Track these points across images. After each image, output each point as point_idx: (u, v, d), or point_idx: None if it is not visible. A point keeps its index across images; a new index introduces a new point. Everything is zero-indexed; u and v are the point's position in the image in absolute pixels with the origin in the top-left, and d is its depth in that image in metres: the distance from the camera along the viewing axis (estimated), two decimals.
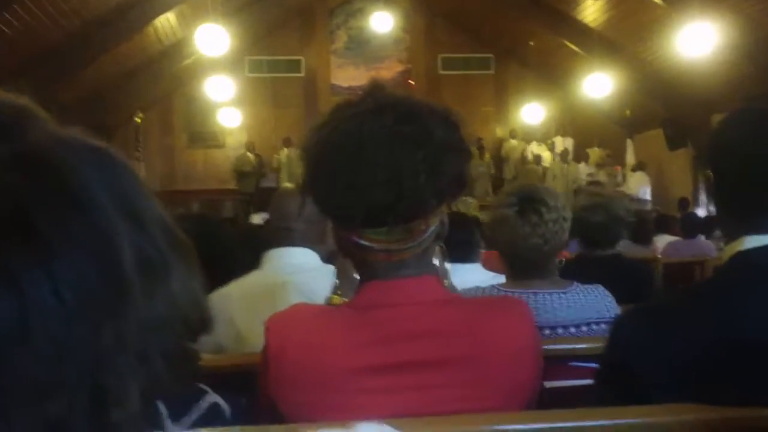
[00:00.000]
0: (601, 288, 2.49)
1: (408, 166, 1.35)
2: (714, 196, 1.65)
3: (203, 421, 1.22)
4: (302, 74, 18.83)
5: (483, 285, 2.55)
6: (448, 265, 1.52)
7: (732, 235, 1.56)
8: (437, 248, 1.50)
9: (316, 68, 18.85)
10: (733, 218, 1.59)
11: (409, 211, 1.39)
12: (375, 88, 1.46)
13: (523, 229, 2.37)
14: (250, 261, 2.64)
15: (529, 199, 2.40)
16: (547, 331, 2.35)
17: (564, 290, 2.42)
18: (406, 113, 1.39)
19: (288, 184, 3.46)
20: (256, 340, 2.22)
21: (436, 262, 1.50)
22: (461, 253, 3.32)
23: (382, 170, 1.35)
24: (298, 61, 18.76)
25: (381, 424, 0.73)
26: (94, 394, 0.58)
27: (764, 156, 1.52)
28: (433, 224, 1.44)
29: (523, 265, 2.45)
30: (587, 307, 2.40)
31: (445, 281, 1.50)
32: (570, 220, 2.46)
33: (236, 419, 1.32)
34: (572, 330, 2.37)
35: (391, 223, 1.39)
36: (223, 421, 1.27)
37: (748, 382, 1.42)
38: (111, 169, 0.63)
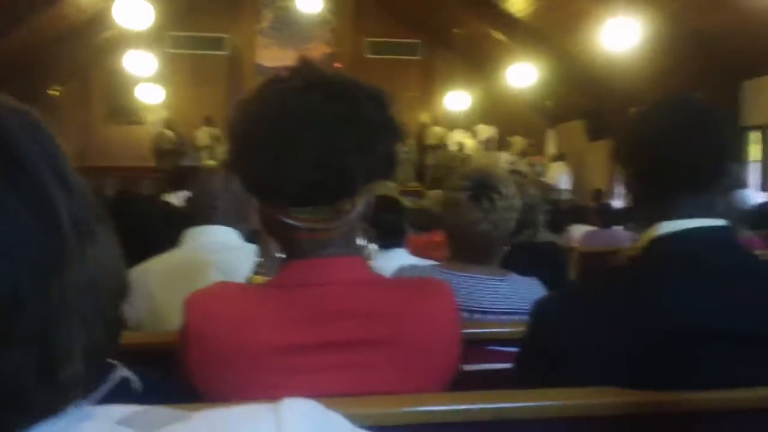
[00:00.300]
0: (536, 280, 2.53)
1: (336, 145, 1.33)
2: (629, 183, 1.68)
3: (112, 396, 1.18)
4: (226, 53, 18.60)
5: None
6: (372, 246, 1.51)
7: (647, 222, 1.59)
8: (362, 229, 1.49)
9: (240, 47, 18.63)
10: (647, 205, 1.62)
11: (337, 191, 1.37)
12: (304, 65, 1.44)
13: (474, 214, 2.38)
14: (171, 238, 2.60)
15: (483, 185, 2.42)
16: (477, 316, 2.36)
17: (500, 278, 2.44)
18: (336, 91, 1.37)
19: (211, 162, 3.41)
20: (174, 317, 2.18)
21: (361, 242, 1.48)
22: (388, 237, 3.32)
23: (310, 148, 1.33)
24: (223, 39, 18.51)
25: (308, 401, 0.71)
26: (43, 352, 0.61)
27: (675, 144, 1.56)
28: (360, 204, 1.43)
29: (468, 248, 2.47)
30: (520, 298, 2.42)
31: (369, 262, 1.49)
32: (519, 209, 2.48)
33: (148, 395, 1.29)
34: (502, 318, 2.39)
35: (318, 202, 1.38)
36: (133, 397, 1.24)
37: (669, 366, 1.45)
38: (41, 134, 0.65)
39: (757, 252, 6.05)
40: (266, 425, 0.68)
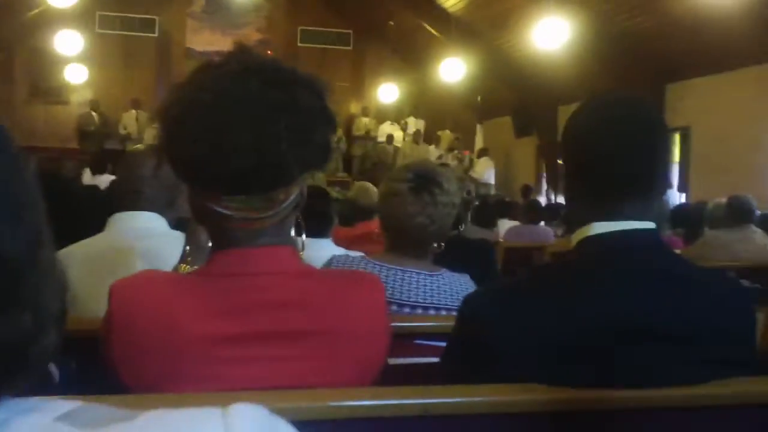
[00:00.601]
0: (467, 277, 2.53)
1: (272, 133, 1.31)
2: (566, 181, 1.69)
3: (29, 386, 1.15)
4: (156, 35, 18.32)
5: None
6: (302, 237, 1.49)
7: (580, 221, 1.60)
8: (295, 219, 1.47)
9: (171, 30, 18.37)
10: (582, 205, 1.63)
11: (271, 179, 1.35)
12: (241, 51, 1.41)
13: (413, 207, 2.38)
14: (95, 223, 2.53)
15: (425, 178, 2.41)
16: (407, 310, 2.36)
17: (432, 273, 2.44)
18: (272, 78, 1.35)
19: (138, 146, 3.34)
20: (94, 305, 2.13)
21: (293, 233, 1.46)
22: (316, 228, 3.30)
23: (245, 135, 1.30)
24: (153, 20, 18.22)
25: (256, 406, 0.70)
26: (35, 319, 0.63)
27: (610, 145, 1.56)
28: (294, 194, 1.40)
29: (403, 241, 2.46)
30: (451, 293, 2.42)
31: (300, 253, 1.47)
32: (458, 207, 2.48)
33: (66, 385, 1.26)
34: (431, 312, 2.39)
35: (252, 191, 1.35)
36: (52, 387, 1.21)
37: (591, 364, 1.46)
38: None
39: (678, 251, 6.21)
40: (214, 430, 0.66)
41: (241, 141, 1.30)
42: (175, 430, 0.66)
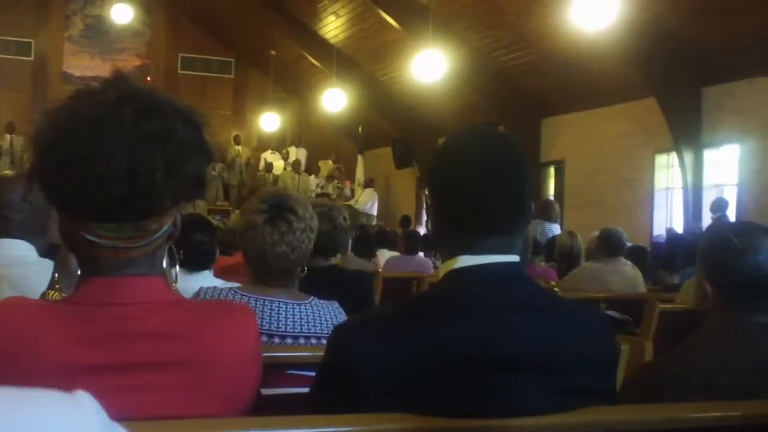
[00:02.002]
0: (336, 304, 2.55)
1: (145, 163, 1.31)
2: (432, 214, 1.72)
3: None
4: (32, 58, 17.83)
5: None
6: (176, 268, 1.49)
7: (447, 254, 1.65)
8: (168, 250, 1.47)
9: (47, 53, 17.91)
10: (449, 237, 1.67)
11: (143, 209, 1.34)
12: (118, 78, 1.41)
13: (272, 237, 2.38)
14: None
15: (279, 207, 2.42)
16: (276, 340, 2.37)
17: (300, 302, 2.46)
18: (149, 108, 1.35)
19: (7, 171, 3.25)
20: None
21: (164, 264, 1.46)
22: (198, 259, 3.26)
23: (118, 164, 1.30)
24: (29, 43, 17.74)
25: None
26: None
27: (478, 177, 1.61)
28: (166, 224, 1.40)
29: (267, 271, 2.46)
30: (320, 322, 2.44)
31: (173, 284, 1.47)
32: (316, 230, 2.50)
33: None
34: (301, 341, 2.40)
35: (123, 220, 1.34)
36: None
37: (453, 394, 1.50)
38: None
39: (552, 282, 6.34)
40: (66, 408, 0.70)
41: (113, 170, 1.29)
42: (24, 404, 0.69)
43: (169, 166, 1.33)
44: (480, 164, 1.62)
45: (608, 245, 5.90)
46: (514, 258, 1.61)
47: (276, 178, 17.15)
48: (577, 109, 12.22)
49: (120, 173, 1.30)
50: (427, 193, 1.73)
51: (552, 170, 13.06)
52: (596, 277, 5.75)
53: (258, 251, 2.41)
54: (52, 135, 1.34)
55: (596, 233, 6.21)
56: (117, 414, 1.28)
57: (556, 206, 9.77)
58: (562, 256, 6.67)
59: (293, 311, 2.42)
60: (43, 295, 1.77)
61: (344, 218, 3.71)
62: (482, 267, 1.58)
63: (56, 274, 1.75)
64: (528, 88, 12.70)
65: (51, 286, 1.76)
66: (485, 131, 1.77)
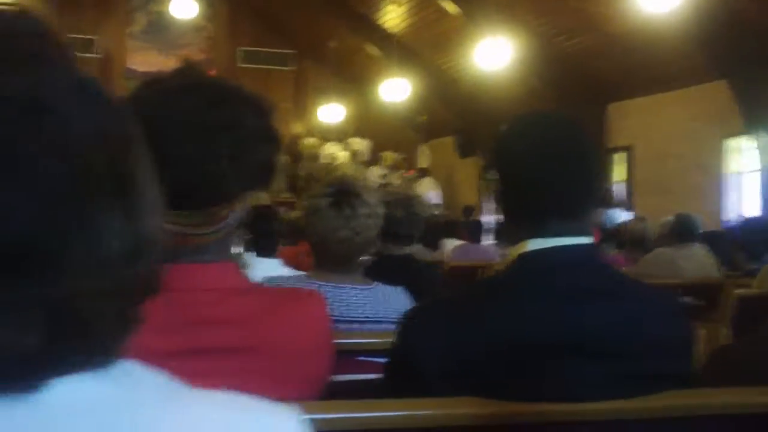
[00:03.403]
0: (401, 289, 2.54)
1: (212, 150, 1.32)
2: (499, 200, 1.70)
3: None
4: (96, 55, 18.12)
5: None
6: (248, 255, 1.49)
7: (516, 239, 1.62)
8: (239, 236, 1.46)
9: (111, 50, 18.18)
10: (517, 222, 1.65)
11: (211, 196, 1.35)
12: (186, 67, 1.42)
13: (336, 221, 2.38)
14: None
15: (345, 192, 2.42)
16: (343, 326, 2.36)
17: (365, 287, 2.45)
18: (216, 96, 1.36)
19: None
20: None
21: (236, 250, 1.46)
22: (263, 247, 3.28)
23: (186, 152, 1.31)
24: (91, 40, 18.03)
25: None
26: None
27: (544, 161, 1.58)
28: (236, 211, 1.41)
29: (331, 257, 2.46)
30: (386, 306, 2.43)
31: (243, 270, 1.47)
32: (382, 217, 2.49)
33: None
34: (369, 327, 2.39)
35: (193, 207, 1.35)
36: None
37: (521, 379, 1.47)
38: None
39: (622, 269, 6.27)
40: (286, 418, 0.77)
41: (181, 157, 1.30)
42: (261, 413, 0.76)
43: (237, 154, 1.33)
44: (544, 146, 1.60)
45: (682, 230, 5.78)
46: (586, 240, 1.58)
47: (339, 169, 17.19)
48: (644, 94, 12.00)
49: (187, 162, 1.31)
50: (493, 178, 1.70)
51: (619, 156, 12.87)
52: (668, 263, 5.64)
53: (321, 235, 2.41)
54: None
55: (668, 218, 6.10)
56: None
57: (616, 192, 9.64)
58: (634, 242, 6.57)
59: (358, 297, 2.41)
60: None
61: (422, 208, 3.70)
62: (553, 250, 1.56)
63: None
64: (592, 74, 12.52)
65: None
66: (549, 114, 1.76)
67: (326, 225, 2.39)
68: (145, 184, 0.72)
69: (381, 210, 2.50)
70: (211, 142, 1.32)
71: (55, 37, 0.68)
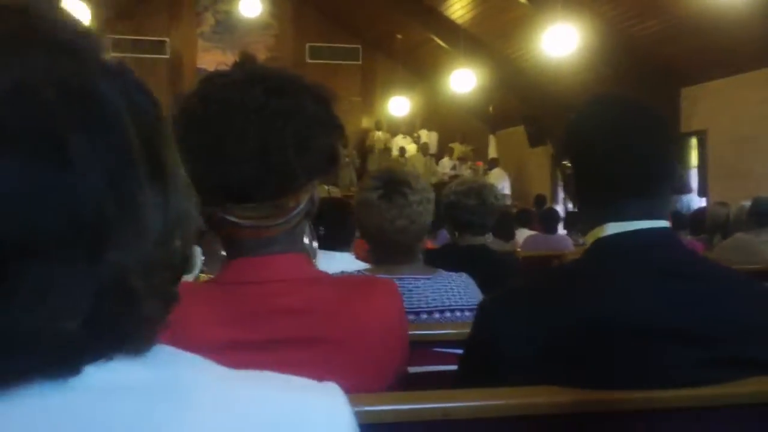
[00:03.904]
0: (465, 275, 2.52)
1: (276, 140, 1.32)
2: (574, 185, 1.68)
3: None
4: (167, 56, 18.42)
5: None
6: (316, 244, 1.49)
7: (593, 223, 1.60)
8: (307, 227, 1.47)
9: (181, 51, 18.47)
10: (593, 206, 1.62)
11: (278, 187, 1.35)
12: (246, 60, 1.43)
13: (390, 212, 2.38)
14: None
15: (393, 182, 2.41)
16: (411, 316, 2.35)
17: (428, 276, 2.44)
18: (277, 86, 1.36)
19: None
20: None
21: (305, 240, 1.46)
22: (337, 239, 3.28)
23: (250, 144, 1.31)
24: (164, 42, 18.33)
25: None
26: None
27: (619, 144, 1.56)
28: (303, 201, 1.41)
29: (390, 249, 2.45)
30: (451, 294, 2.41)
31: (313, 260, 1.47)
32: (433, 201, 2.48)
33: None
34: (436, 315, 2.38)
35: (260, 199, 1.36)
36: None
37: (606, 364, 1.45)
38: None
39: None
40: (323, 395, 0.78)
41: (247, 149, 1.31)
42: (298, 392, 0.77)
43: (300, 143, 1.33)
44: (617, 129, 1.58)
45: (760, 214, 5.63)
46: (664, 223, 1.55)
47: (408, 162, 17.20)
48: (718, 76, 11.72)
49: (252, 154, 1.31)
50: (566, 163, 1.68)
51: (694, 141, 12.63)
52: (748, 249, 5.48)
53: (377, 228, 2.41)
54: (184, 119, 1.36)
55: (745, 203, 5.95)
56: None
57: (687, 177, 9.45)
58: (715, 227, 6.43)
59: (423, 286, 2.40)
60: (196, 277, 1.81)
61: (495, 197, 3.67)
62: (630, 234, 1.53)
63: (203, 257, 1.78)
64: (664, 58, 12.29)
65: (201, 269, 1.79)
66: (621, 97, 1.73)
67: (381, 217, 2.38)
68: (175, 164, 0.73)
69: (432, 195, 2.48)
70: (276, 131, 1.32)
71: (83, 25, 0.69)
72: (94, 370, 0.63)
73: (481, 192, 3.59)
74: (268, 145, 1.32)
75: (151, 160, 0.67)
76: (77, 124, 0.61)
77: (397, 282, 2.36)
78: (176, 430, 0.65)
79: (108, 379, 0.63)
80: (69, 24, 0.67)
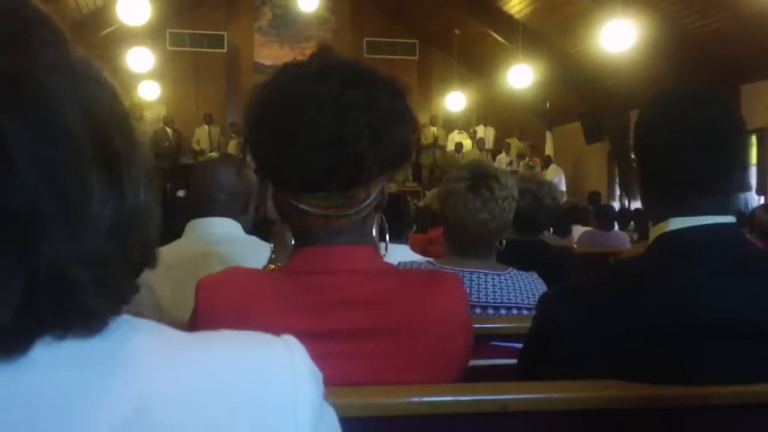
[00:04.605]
0: (536, 275, 2.52)
1: (351, 131, 1.32)
2: (639, 179, 1.67)
3: None
4: (225, 50, 18.57)
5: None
6: (386, 238, 1.50)
7: (657, 218, 1.59)
8: (377, 219, 1.48)
9: (239, 45, 18.60)
10: (658, 201, 1.61)
11: (350, 177, 1.36)
12: (323, 50, 1.44)
13: (473, 204, 2.39)
14: (170, 231, 2.56)
15: (482, 176, 2.42)
16: (477, 310, 2.36)
17: (499, 273, 2.44)
18: (353, 77, 1.37)
19: (212, 154, 3.39)
20: (176, 310, 2.17)
21: (374, 232, 1.47)
22: (395, 231, 3.30)
23: (324, 133, 1.32)
24: (221, 36, 18.48)
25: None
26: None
27: (687, 140, 1.54)
28: (374, 193, 1.42)
29: (467, 241, 2.46)
30: (520, 292, 2.41)
31: (382, 252, 1.48)
32: (517, 200, 2.48)
33: None
34: (503, 312, 2.38)
35: (331, 188, 1.37)
36: None
37: (667, 360, 1.44)
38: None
39: None
40: (279, 349, 0.78)
41: (321, 139, 1.32)
42: (246, 346, 0.77)
43: (375, 135, 1.34)
44: (688, 122, 1.56)
45: None
46: (729, 219, 1.53)
47: (465, 158, 17.13)
48: None
49: (325, 143, 1.32)
50: (633, 156, 1.67)
51: (754, 138, 12.41)
52: None
53: (459, 218, 2.41)
54: (260, 109, 1.39)
55: None
56: (326, 379, 1.30)
57: (748, 174, 9.30)
58: (762, 231, 6.32)
59: (492, 282, 2.40)
60: (265, 267, 1.82)
61: (552, 198, 3.65)
62: (695, 229, 1.52)
63: (272, 247, 1.79)
64: (724, 55, 12.10)
65: (270, 260, 1.80)
66: (693, 90, 1.71)
67: (464, 208, 2.39)
68: (133, 157, 0.72)
69: (516, 193, 2.48)
70: (350, 122, 1.33)
71: (44, 17, 0.70)
72: (42, 348, 0.64)
73: (537, 193, 3.57)
74: (342, 135, 1.32)
75: (103, 152, 0.67)
76: (11, 114, 0.61)
77: (467, 275, 2.37)
78: (122, 394, 0.66)
79: (54, 355, 0.65)
80: (22, 15, 0.68)
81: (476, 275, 2.40)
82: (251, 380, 0.73)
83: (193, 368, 0.71)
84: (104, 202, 0.66)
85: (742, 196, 8.70)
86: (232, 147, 15.60)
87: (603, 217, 8.10)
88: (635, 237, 8.06)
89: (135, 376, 0.68)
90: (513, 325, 2.17)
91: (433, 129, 18.17)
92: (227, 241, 2.43)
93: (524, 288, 2.43)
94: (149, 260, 0.76)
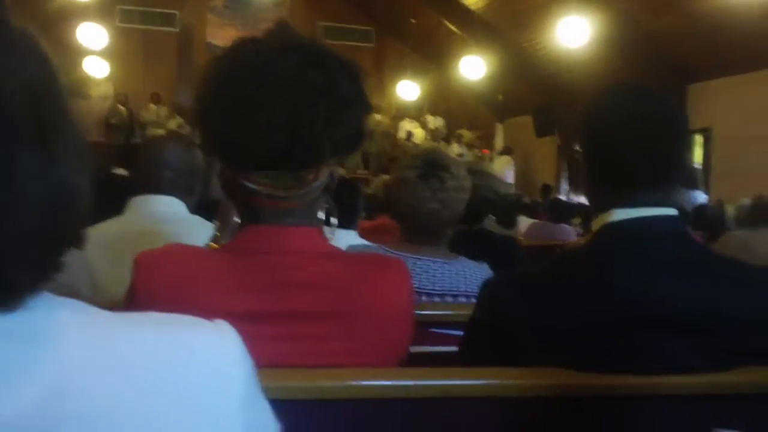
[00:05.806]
0: (486, 266, 2.52)
1: (308, 114, 1.31)
2: (585, 171, 1.67)
3: None
4: (177, 29, 18.34)
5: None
6: (333, 221, 1.49)
7: (601, 208, 1.60)
8: (324, 202, 1.46)
9: (192, 25, 18.37)
10: (602, 192, 1.62)
11: (302, 159, 1.35)
12: (282, 27, 1.41)
13: (423, 193, 2.37)
14: (110, 208, 2.50)
15: (434, 165, 2.41)
16: (424, 297, 2.35)
17: (448, 261, 2.43)
18: (313, 59, 1.35)
19: (159, 130, 3.34)
20: (114, 288, 2.13)
21: (321, 216, 1.46)
22: (345, 217, 3.28)
23: (280, 112, 1.30)
24: (173, 14, 18.25)
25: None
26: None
27: (632, 132, 1.56)
28: (324, 176, 1.40)
29: (417, 228, 2.45)
30: (468, 281, 2.41)
31: (328, 235, 1.47)
32: (469, 191, 2.47)
33: None
34: (448, 299, 2.38)
35: (282, 169, 1.35)
36: None
37: (606, 349, 1.45)
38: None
39: None
40: (209, 332, 0.78)
41: (277, 119, 1.30)
42: (175, 326, 0.77)
43: (331, 117, 1.32)
44: (631, 117, 1.59)
45: (762, 213, 5.62)
46: (671, 211, 1.55)
47: (415, 146, 17.14)
48: (725, 75, 11.70)
49: (281, 122, 1.30)
50: (578, 149, 1.68)
51: (698, 138, 12.60)
52: (744, 246, 5.47)
53: (409, 206, 2.40)
54: (215, 82, 1.35)
55: (745, 201, 5.94)
56: (268, 361, 1.28)
57: (697, 173, 9.47)
58: (711, 225, 6.43)
59: (441, 270, 2.40)
60: (206, 246, 1.79)
61: (495, 193, 3.66)
62: (637, 220, 1.54)
63: (218, 225, 1.77)
64: (674, 54, 12.25)
65: (212, 238, 1.77)
66: (639, 86, 1.72)
67: (414, 196, 2.38)
68: (68, 133, 0.71)
69: (468, 184, 2.47)
70: (308, 104, 1.31)
71: None
72: None
73: (477, 188, 3.56)
74: (299, 117, 1.30)
75: (37, 128, 0.66)
76: None
77: (415, 262, 2.36)
78: (43, 368, 0.66)
79: None
80: None
81: (424, 262, 2.40)
82: (175, 361, 0.72)
83: (116, 346, 0.70)
84: (34, 177, 0.65)
85: (688, 193, 8.82)
86: (174, 125, 15.47)
87: (557, 210, 8.17)
88: (580, 230, 8.12)
89: (56, 351, 0.67)
90: (455, 312, 2.17)
91: (378, 117, 18.10)
92: (169, 220, 2.39)
93: (473, 277, 2.43)
94: (77, 238, 0.75)
